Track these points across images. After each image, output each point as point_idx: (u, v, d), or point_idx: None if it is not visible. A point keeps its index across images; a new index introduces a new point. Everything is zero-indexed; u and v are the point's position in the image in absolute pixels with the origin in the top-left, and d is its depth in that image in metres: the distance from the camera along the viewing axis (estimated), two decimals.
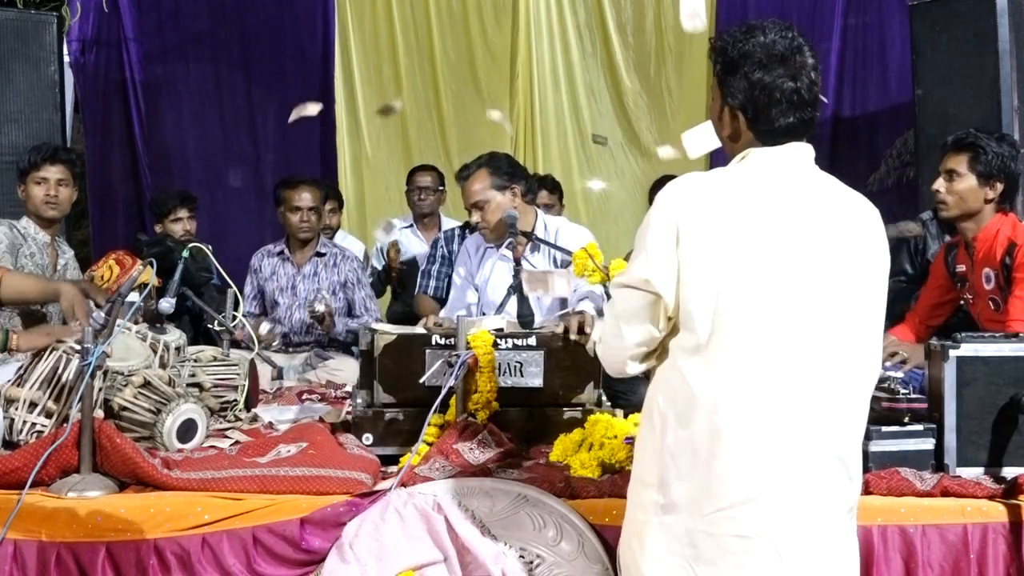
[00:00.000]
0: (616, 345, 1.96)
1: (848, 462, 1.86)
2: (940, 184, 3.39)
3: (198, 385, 3.09)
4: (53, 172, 3.95)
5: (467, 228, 4.76)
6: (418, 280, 4.76)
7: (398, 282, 5.34)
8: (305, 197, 4.62)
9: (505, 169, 3.74)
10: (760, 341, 1.81)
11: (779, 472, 1.80)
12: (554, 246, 3.65)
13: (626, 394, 3.40)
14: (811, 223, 1.86)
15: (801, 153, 1.93)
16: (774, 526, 1.79)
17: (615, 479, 2.60)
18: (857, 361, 1.88)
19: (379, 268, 5.48)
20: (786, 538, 1.79)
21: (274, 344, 4.30)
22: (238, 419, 3.14)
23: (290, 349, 4.52)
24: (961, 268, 3.48)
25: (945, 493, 2.44)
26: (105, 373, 2.80)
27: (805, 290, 1.84)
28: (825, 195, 1.91)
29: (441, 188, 5.46)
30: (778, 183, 1.89)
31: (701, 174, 1.94)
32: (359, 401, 2.96)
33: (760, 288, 1.82)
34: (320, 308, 4.34)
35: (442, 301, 4.45)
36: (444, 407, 2.85)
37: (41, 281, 3.35)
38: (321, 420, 3.18)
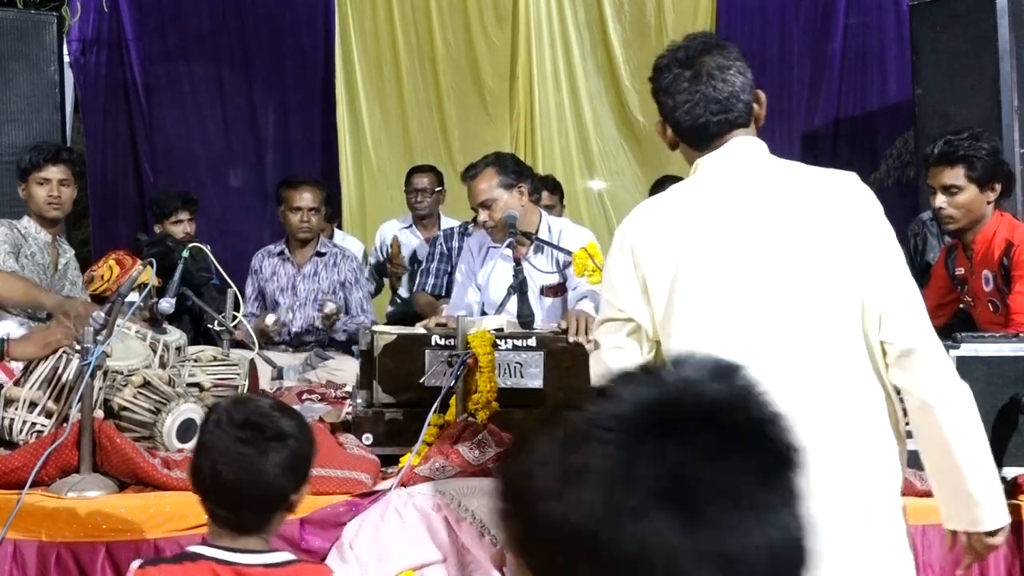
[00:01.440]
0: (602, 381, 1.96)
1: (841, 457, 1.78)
2: (942, 201, 3.28)
3: (198, 385, 3.09)
4: (55, 172, 3.94)
5: (467, 227, 4.76)
6: (416, 278, 4.76)
7: (396, 279, 5.33)
8: (306, 197, 4.62)
9: (512, 168, 3.74)
10: (718, 332, 1.80)
11: None
12: (555, 247, 3.65)
13: None
14: (767, 211, 1.87)
15: (747, 147, 1.94)
16: None
17: None
18: (837, 348, 1.82)
19: (374, 262, 5.47)
20: None
21: (281, 335, 4.32)
22: None
23: (291, 349, 4.51)
24: (960, 271, 3.47)
25: None
26: (105, 373, 2.79)
27: (766, 278, 1.83)
28: (783, 180, 1.92)
29: (439, 188, 5.45)
30: (726, 181, 1.91)
31: (654, 197, 2.02)
32: (359, 401, 2.96)
33: (717, 282, 1.83)
34: (331, 308, 4.36)
35: (440, 299, 4.46)
36: (444, 407, 2.85)
37: (29, 287, 3.32)
38: (321, 420, 3.18)
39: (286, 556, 1.75)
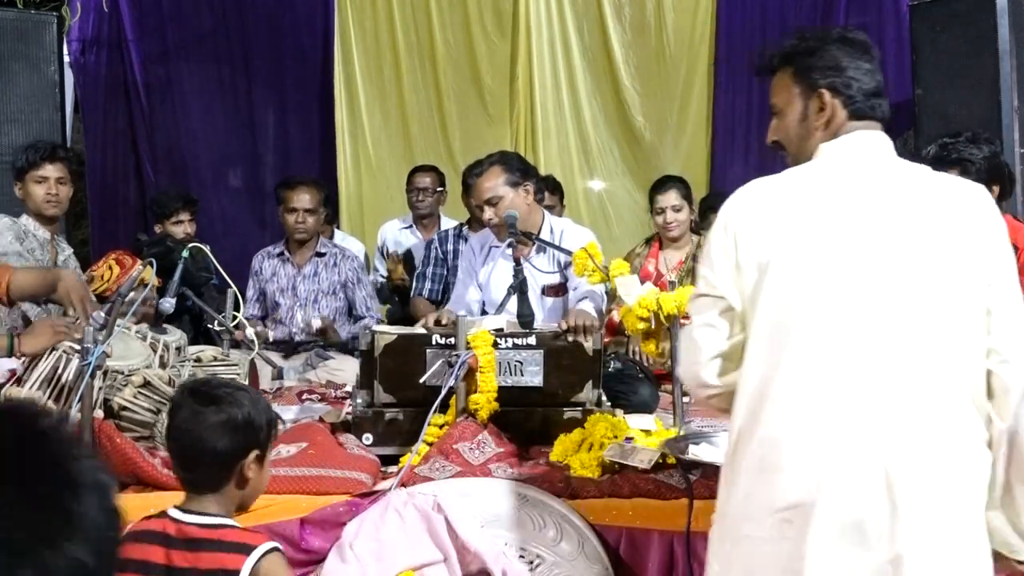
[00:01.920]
0: (691, 359, 1.90)
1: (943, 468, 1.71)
2: None
3: None
4: (53, 170, 3.94)
5: (462, 229, 4.76)
6: (413, 283, 4.76)
7: (399, 291, 5.32)
8: (302, 198, 4.62)
9: (517, 166, 3.74)
10: (825, 329, 1.74)
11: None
12: (556, 247, 3.65)
13: (626, 394, 3.40)
14: (885, 209, 1.79)
15: (876, 140, 1.88)
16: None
17: (615, 479, 2.60)
18: (952, 356, 1.73)
19: (382, 271, 5.47)
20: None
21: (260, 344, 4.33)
22: None
23: (284, 356, 4.49)
24: None
25: None
26: (105, 373, 2.79)
27: (870, 277, 1.75)
28: (907, 181, 1.85)
29: (441, 189, 5.45)
30: (847, 172, 1.84)
31: (766, 178, 1.90)
32: (359, 401, 2.96)
33: (822, 277, 1.76)
34: (317, 324, 4.36)
35: (437, 303, 4.45)
36: (444, 407, 2.85)
37: (40, 272, 3.33)
38: (321, 420, 3.18)
39: (226, 521, 1.93)
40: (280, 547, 1.94)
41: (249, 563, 1.84)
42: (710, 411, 1.93)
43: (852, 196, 1.81)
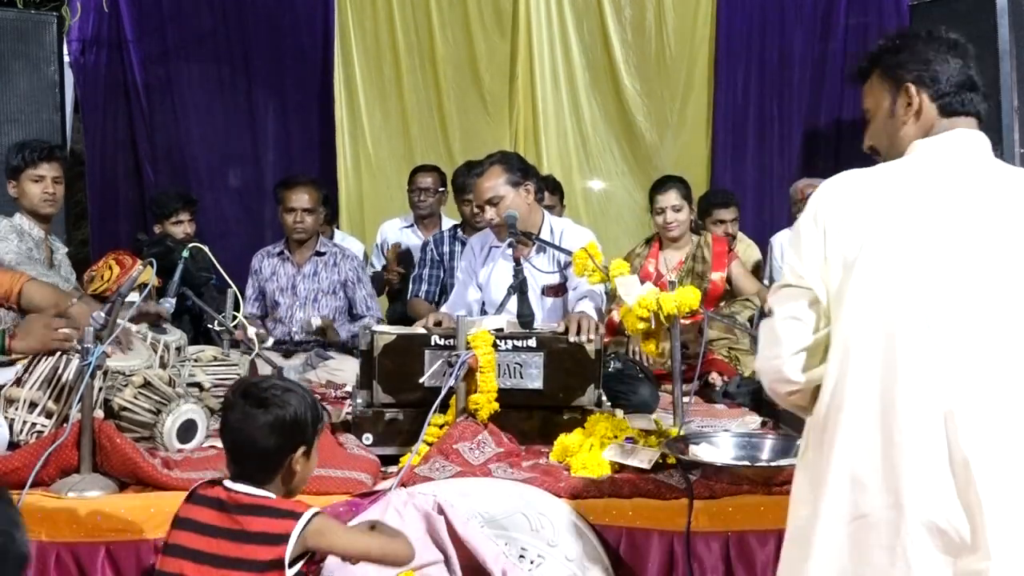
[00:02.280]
0: (772, 353, 1.84)
1: None
2: None
3: (198, 385, 3.09)
4: (49, 170, 3.94)
5: (457, 230, 4.75)
6: (410, 285, 4.77)
7: (396, 283, 5.33)
8: (300, 198, 4.62)
9: (518, 166, 3.74)
10: (891, 325, 1.70)
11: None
12: (557, 247, 3.65)
13: (626, 394, 3.40)
14: (980, 210, 1.75)
15: (972, 139, 1.85)
16: None
17: (615, 479, 2.60)
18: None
19: (378, 268, 5.48)
20: None
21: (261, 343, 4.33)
22: None
23: (284, 356, 4.49)
24: None
25: None
26: (105, 373, 2.80)
27: (966, 282, 1.70)
28: (1006, 183, 1.80)
29: (442, 189, 5.45)
30: (942, 169, 1.81)
31: (858, 170, 1.86)
32: (359, 401, 2.96)
33: (912, 279, 1.71)
34: (317, 323, 4.36)
35: (435, 304, 4.45)
36: (444, 407, 2.85)
37: (56, 294, 3.31)
38: None
39: (272, 495, 2.05)
40: (322, 511, 2.08)
41: (298, 527, 1.98)
42: (794, 406, 1.87)
43: (945, 197, 1.77)
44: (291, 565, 1.98)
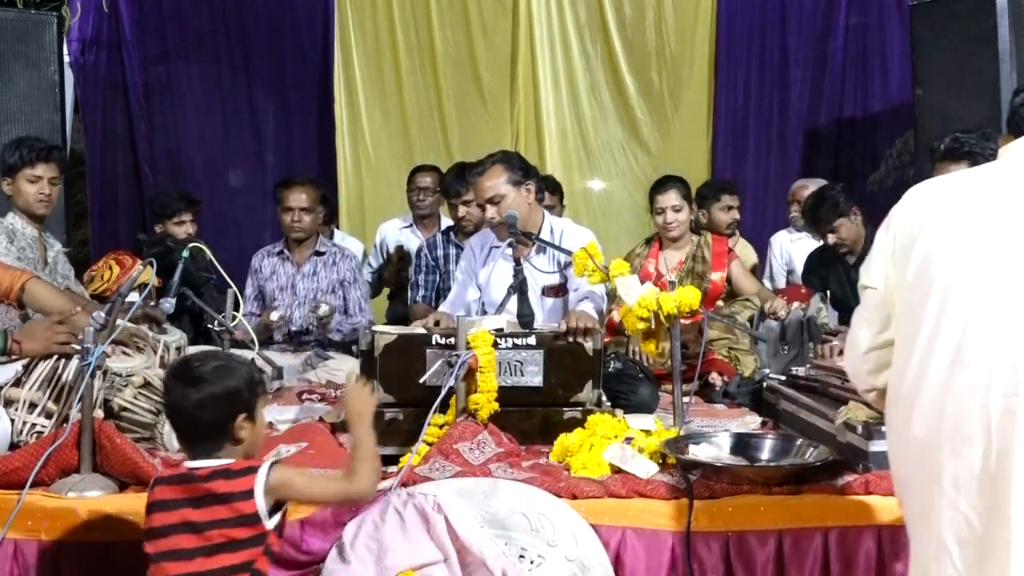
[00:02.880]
0: (851, 355, 1.92)
1: None
2: None
3: None
4: (46, 170, 3.90)
5: (451, 233, 4.75)
6: (408, 291, 4.77)
7: (395, 282, 5.32)
8: (298, 197, 4.62)
9: (519, 166, 3.74)
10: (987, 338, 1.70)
11: None
12: (557, 247, 3.64)
13: (626, 394, 3.40)
14: None
15: None
16: None
17: (615, 479, 2.60)
18: None
19: (375, 267, 5.48)
20: None
21: (283, 330, 4.32)
22: None
23: (291, 349, 4.51)
24: None
25: None
26: (105, 373, 2.80)
27: None
28: None
29: (441, 189, 5.45)
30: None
31: (941, 177, 1.91)
32: None
33: (984, 281, 1.71)
34: (324, 309, 4.36)
35: (434, 308, 4.45)
36: (444, 407, 2.85)
37: (62, 298, 3.30)
38: (321, 420, 3.18)
39: (230, 460, 2.11)
40: (279, 460, 2.17)
41: (259, 480, 2.05)
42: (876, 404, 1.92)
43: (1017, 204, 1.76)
44: (270, 516, 2.06)
